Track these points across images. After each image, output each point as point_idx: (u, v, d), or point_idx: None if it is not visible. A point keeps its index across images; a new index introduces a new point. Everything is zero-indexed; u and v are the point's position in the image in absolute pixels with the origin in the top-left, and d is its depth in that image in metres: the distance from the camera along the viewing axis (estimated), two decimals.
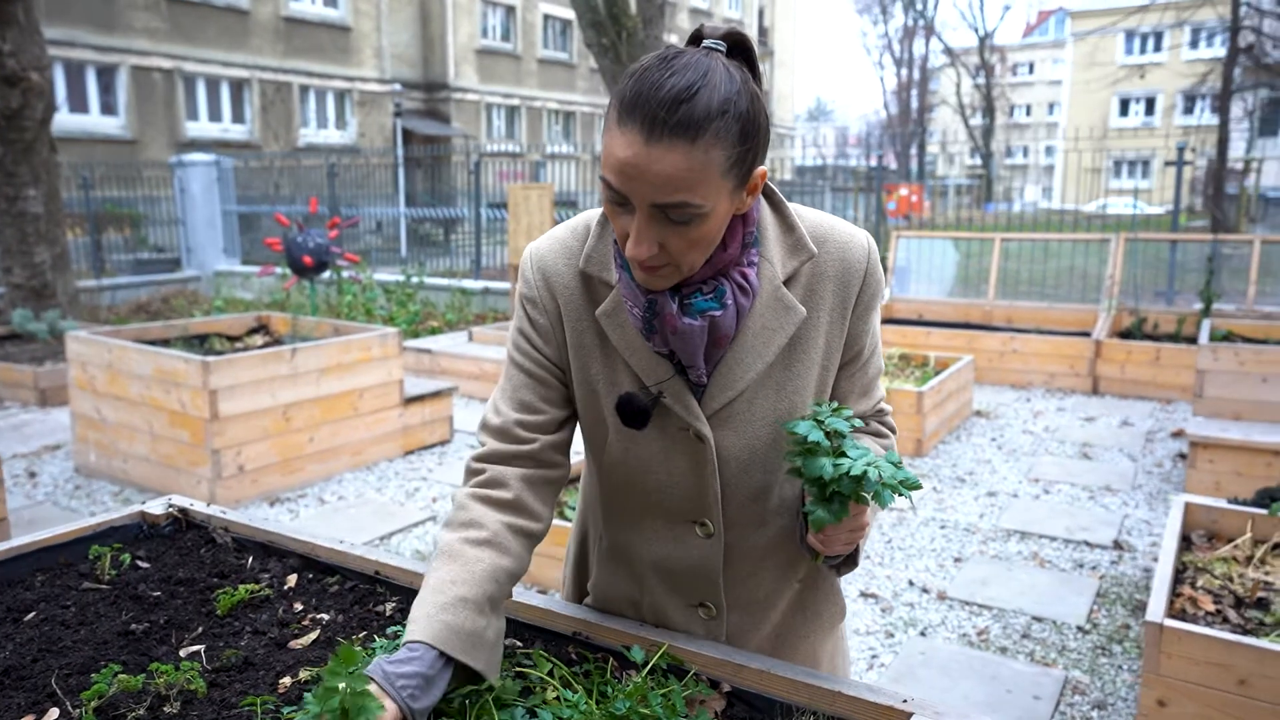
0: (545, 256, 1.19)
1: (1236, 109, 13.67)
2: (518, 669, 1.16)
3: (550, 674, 1.15)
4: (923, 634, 3.30)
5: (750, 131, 0.99)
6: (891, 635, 3.29)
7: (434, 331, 8.73)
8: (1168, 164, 8.68)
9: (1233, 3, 11.34)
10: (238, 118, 18.90)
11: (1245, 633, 2.49)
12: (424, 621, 1.03)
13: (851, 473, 1.03)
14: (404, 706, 0.95)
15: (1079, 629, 3.33)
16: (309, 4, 19.84)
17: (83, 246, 12.19)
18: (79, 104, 16.29)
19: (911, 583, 3.73)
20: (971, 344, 7.32)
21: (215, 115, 18.54)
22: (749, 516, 1.22)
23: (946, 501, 4.68)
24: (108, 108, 16.77)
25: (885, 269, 8.65)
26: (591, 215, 1.20)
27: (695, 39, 1.04)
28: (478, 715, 1.03)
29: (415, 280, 10.02)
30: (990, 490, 4.85)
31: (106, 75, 16.61)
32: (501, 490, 1.15)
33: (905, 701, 1.08)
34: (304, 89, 19.98)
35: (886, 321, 8.06)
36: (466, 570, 1.08)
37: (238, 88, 18.78)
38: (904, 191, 19.50)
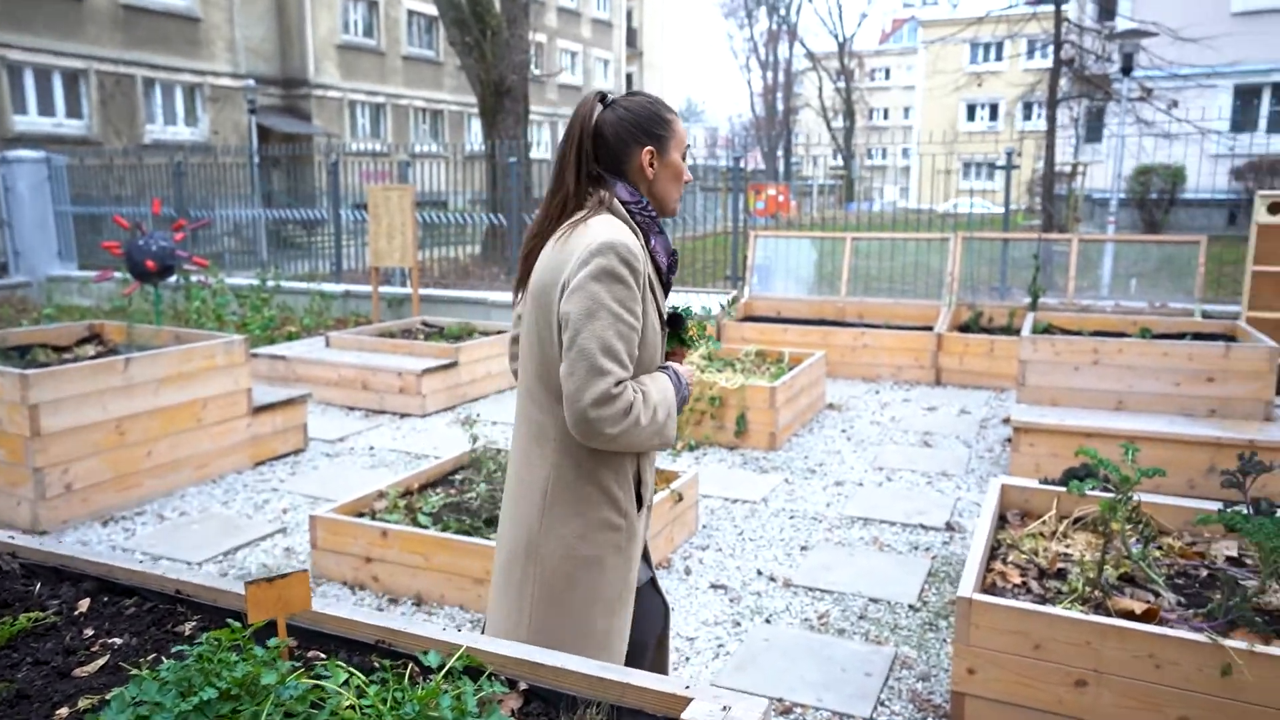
0: (635, 244, 1.68)
1: (1064, 117, 14.74)
2: (314, 680, 1.16)
3: (346, 684, 1.16)
4: (768, 621, 3.44)
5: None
6: (739, 624, 3.41)
7: (291, 337, 8.41)
8: (997, 167, 9.30)
9: (1055, 19, 12.25)
10: (73, 112, 17.64)
11: (1045, 602, 2.72)
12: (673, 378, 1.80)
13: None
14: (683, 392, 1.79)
15: (910, 607, 3.55)
16: None
17: None
18: None
19: (760, 572, 3.88)
20: (826, 339, 7.64)
21: (47, 109, 17.25)
22: None
23: (797, 492, 4.88)
24: None
25: (745, 267, 8.91)
26: (620, 228, 1.71)
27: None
28: None
29: (271, 284, 9.63)
30: (838, 480, 5.09)
31: None
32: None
33: (686, 688, 1.14)
34: (149, 82, 18.82)
35: (746, 319, 8.30)
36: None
37: (72, 79, 17.52)
38: (772, 191, 20.08)
